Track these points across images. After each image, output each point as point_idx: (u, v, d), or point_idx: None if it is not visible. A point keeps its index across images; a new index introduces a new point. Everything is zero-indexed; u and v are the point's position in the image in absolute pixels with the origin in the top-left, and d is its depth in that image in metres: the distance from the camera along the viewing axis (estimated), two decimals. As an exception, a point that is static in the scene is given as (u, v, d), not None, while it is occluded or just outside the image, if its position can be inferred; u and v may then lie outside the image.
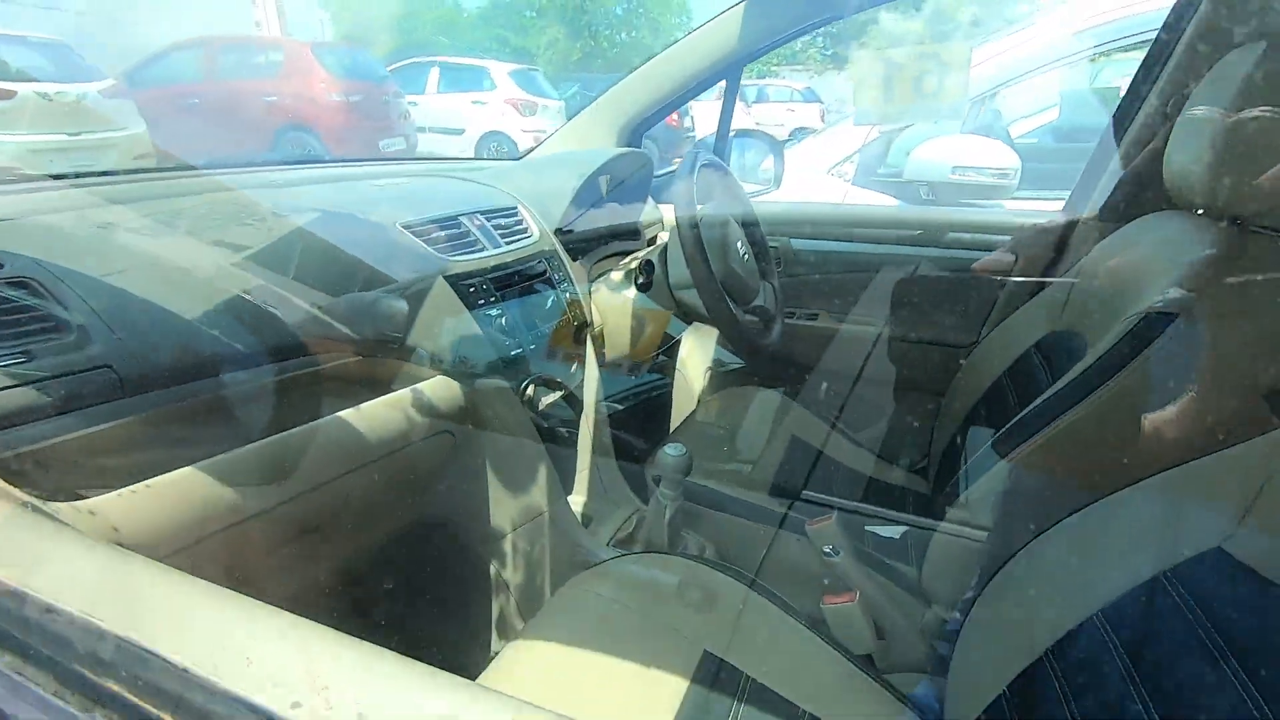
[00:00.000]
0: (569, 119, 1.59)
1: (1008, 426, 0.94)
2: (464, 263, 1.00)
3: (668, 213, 1.70)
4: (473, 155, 7.85)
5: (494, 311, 1.00)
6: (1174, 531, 0.63)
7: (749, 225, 1.40)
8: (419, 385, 0.90)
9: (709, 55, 1.42)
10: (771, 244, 1.47)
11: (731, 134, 1.65)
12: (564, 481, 1.25)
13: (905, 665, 0.99)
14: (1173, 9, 1.22)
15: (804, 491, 1.30)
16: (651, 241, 1.65)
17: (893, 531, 1.30)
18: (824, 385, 1.69)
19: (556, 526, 1.09)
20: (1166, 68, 1.22)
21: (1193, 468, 0.66)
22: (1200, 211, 0.96)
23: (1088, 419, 0.85)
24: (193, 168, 1.04)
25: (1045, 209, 1.86)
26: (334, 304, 0.82)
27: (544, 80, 9.02)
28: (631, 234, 1.49)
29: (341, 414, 0.79)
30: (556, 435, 1.24)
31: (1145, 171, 1.28)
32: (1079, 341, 1.06)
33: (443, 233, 1.01)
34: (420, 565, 1.15)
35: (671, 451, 1.05)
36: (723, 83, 1.52)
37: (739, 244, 1.29)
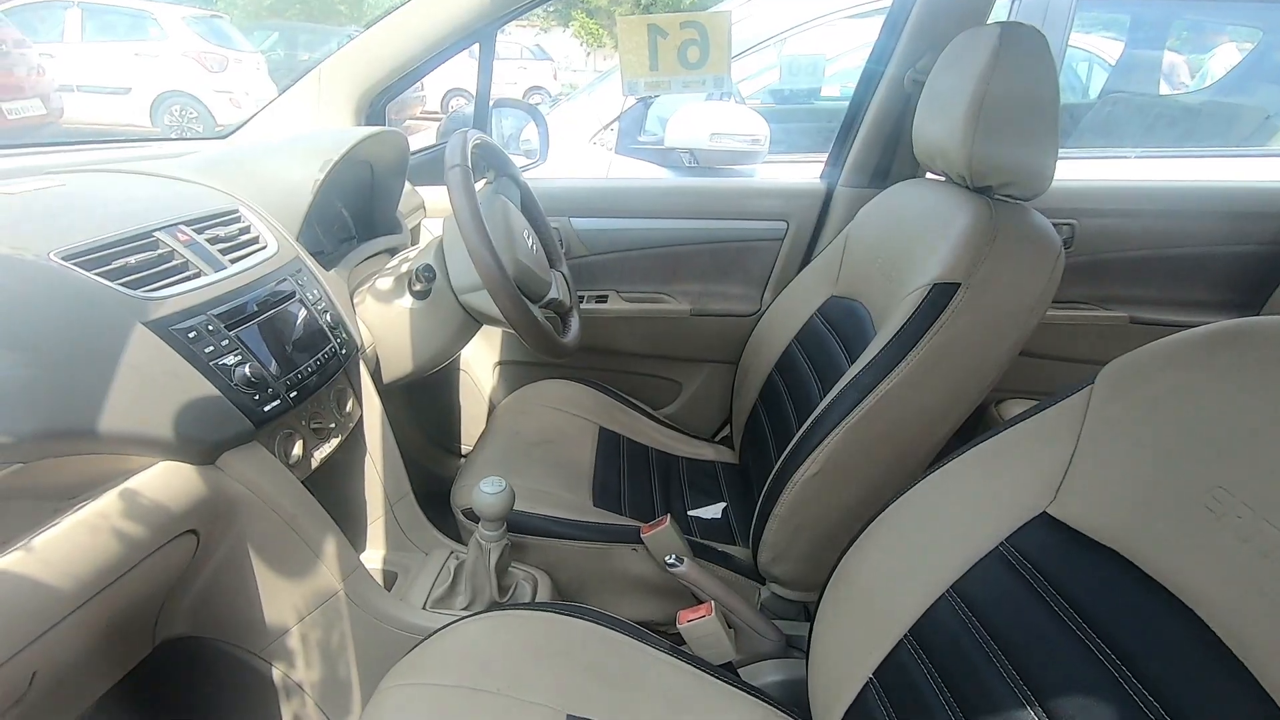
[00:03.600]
0: (273, 74, 1.27)
1: (824, 404, 0.96)
2: (172, 299, 0.72)
3: (429, 197, 1.49)
4: (149, 123, 6.46)
5: (229, 359, 0.74)
6: (1002, 500, 0.67)
7: (530, 210, 1.26)
8: (131, 483, 0.64)
9: (460, 13, 1.22)
10: (552, 226, 1.35)
11: (492, 104, 1.47)
12: (356, 540, 1.03)
13: (755, 655, 0.99)
14: None
15: (626, 491, 1.24)
16: (415, 233, 1.43)
17: (714, 511, 1.30)
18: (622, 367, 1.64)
19: (357, 603, 0.89)
20: (901, 39, 1.31)
21: (1010, 436, 0.70)
22: (947, 179, 1.04)
23: (901, 385, 0.88)
24: None
25: (798, 171, 1.99)
26: None
27: (232, 29, 7.63)
28: (393, 229, 1.26)
29: (3, 560, 0.52)
30: (340, 489, 1.01)
31: (893, 140, 1.39)
32: (860, 308, 1.12)
33: (131, 259, 0.72)
34: (175, 692, 0.88)
35: (489, 489, 0.90)
36: (476, 46, 1.33)
37: (525, 233, 1.15)
